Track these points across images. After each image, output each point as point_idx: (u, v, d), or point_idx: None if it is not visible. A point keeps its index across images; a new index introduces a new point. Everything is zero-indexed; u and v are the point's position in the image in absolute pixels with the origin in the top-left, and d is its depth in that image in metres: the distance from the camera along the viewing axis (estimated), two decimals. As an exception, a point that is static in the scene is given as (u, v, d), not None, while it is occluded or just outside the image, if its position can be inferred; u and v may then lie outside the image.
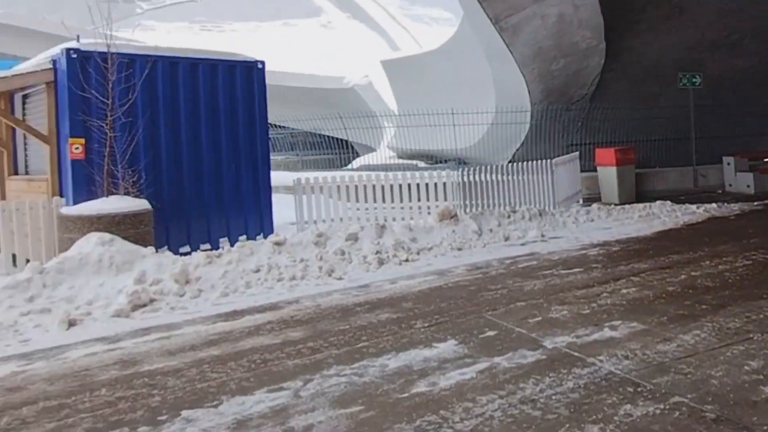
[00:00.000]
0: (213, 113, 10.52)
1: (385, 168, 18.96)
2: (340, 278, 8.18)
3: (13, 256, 9.07)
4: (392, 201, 12.17)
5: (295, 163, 24.83)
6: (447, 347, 5.45)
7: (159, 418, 4.30)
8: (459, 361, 5.11)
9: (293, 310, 6.87)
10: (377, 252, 8.86)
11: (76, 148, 9.30)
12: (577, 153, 15.75)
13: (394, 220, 11.57)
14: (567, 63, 16.87)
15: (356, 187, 12.22)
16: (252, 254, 8.44)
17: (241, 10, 46.56)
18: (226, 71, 10.73)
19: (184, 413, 4.35)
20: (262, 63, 11.21)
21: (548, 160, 13.21)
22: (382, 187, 12.22)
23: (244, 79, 10.95)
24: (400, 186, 12.28)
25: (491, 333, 5.79)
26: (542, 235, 10.60)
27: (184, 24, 45.32)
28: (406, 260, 8.88)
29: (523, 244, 10.08)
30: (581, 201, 14.94)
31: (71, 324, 6.56)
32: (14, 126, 10.74)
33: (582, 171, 15.63)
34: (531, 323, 6.04)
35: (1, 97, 10.92)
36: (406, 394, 4.50)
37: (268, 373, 5.04)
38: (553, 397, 4.33)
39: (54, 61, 9.56)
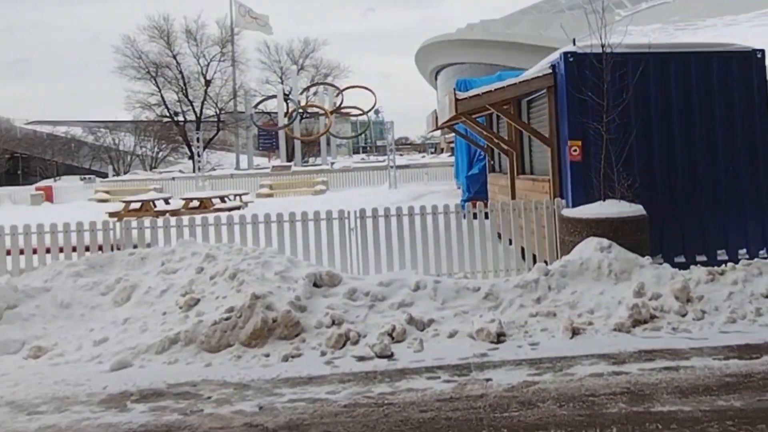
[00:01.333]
0: (707, 110, 8.75)
1: None
2: None
3: (522, 249, 8.92)
4: None
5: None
6: None
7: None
8: None
9: (827, 358, 5.10)
10: None
11: (574, 151, 8.67)
12: None
13: None
14: None
15: None
16: (761, 274, 6.71)
17: (714, 5, 40.97)
18: (720, 63, 8.80)
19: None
20: (761, 52, 8.90)
21: None
22: None
23: (740, 70, 8.85)
24: None
25: None
26: None
27: (659, 26, 41.94)
28: None
29: None
30: None
31: (575, 332, 5.94)
32: (521, 129, 10.67)
33: None
34: None
35: (510, 103, 10.97)
36: None
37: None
38: None
39: (553, 66, 9.05)
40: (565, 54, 8.69)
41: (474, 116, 11.52)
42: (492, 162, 14.11)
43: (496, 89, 9.59)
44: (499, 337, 5.88)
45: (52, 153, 54.43)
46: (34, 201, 30.64)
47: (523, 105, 11.10)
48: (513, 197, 11.08)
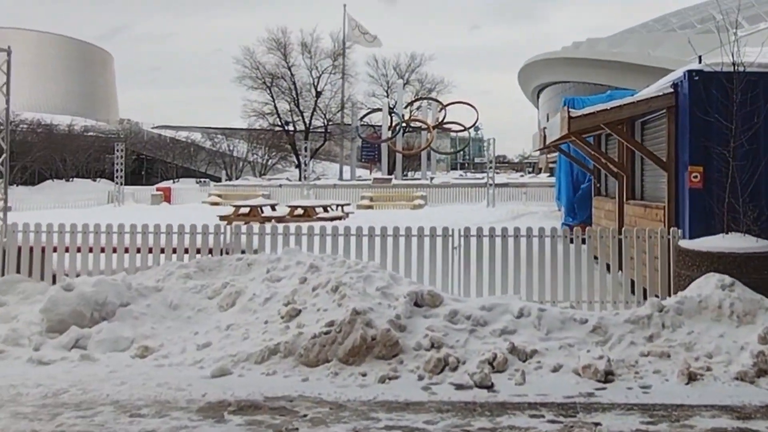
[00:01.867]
0: None
1: None
2: None
3: (631, 282, 8.27)
4: None
5: None
6: None
7: None
8: None
9: None
10: None
11: (695, 177, 7.92)
12: None
13: None
14: None
15: None
16: None
17: None
18: None
19: None
20: None
21: None
22: None
23: None
24: None
25: None
26: None
27: (777, 47, 38.64)
28: None
29: None
30: None
31: (691, 378, 5.34)
32: (636, 151, 9.97)
33: None
34: None
35: (624, 123, 10.29)
36: None
37: None
38: None
39: (675, 85, 8.34)
40: (690, 72, 7.98)
41: (583, 136, 10.92)
42: (598, 185, 13.34)
43: (612, 108, 9.02)
44: (607, 376, 5.38)
45: (173, 156, 57.60)
46: (153, 201, 32.41)
47: (637, 126, 10.41)
48: (620, 224, 10.37)
